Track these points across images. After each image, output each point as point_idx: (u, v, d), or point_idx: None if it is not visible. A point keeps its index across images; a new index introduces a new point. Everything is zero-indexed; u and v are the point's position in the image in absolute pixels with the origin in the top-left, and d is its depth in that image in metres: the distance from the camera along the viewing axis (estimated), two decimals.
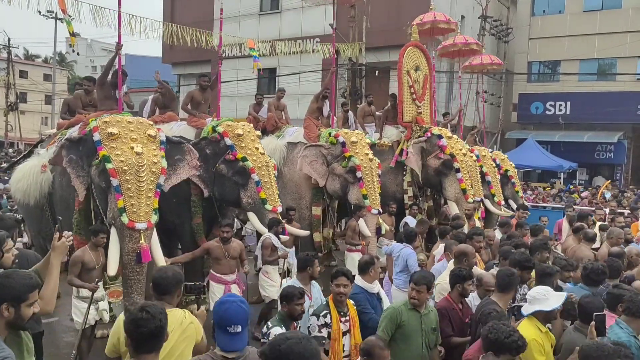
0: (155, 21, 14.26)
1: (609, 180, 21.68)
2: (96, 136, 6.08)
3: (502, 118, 25.07)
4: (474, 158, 10.66)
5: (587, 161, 24.73)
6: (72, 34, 8.96)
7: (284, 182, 9.06)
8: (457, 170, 9.85)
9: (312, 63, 21.30)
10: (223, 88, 9.31)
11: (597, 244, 8.04)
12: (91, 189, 6.34)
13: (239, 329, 2.81)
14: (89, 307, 5.64)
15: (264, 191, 7.37)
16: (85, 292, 5.81)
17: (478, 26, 22.97)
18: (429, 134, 10.22)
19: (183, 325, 3.32)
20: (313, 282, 5.19)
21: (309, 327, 4.33)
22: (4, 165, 19.36)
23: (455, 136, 10.56)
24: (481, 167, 11.04)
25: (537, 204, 15.06)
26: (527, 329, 3.85)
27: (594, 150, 24.49)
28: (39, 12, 26.63)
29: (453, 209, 9.69)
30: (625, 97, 22.79)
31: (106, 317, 6.12)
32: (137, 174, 5.85)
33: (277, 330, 3.82)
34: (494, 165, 11.69)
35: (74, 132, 7.27)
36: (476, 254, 6.01)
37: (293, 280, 5.04)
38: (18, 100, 36.58)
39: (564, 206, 12.64)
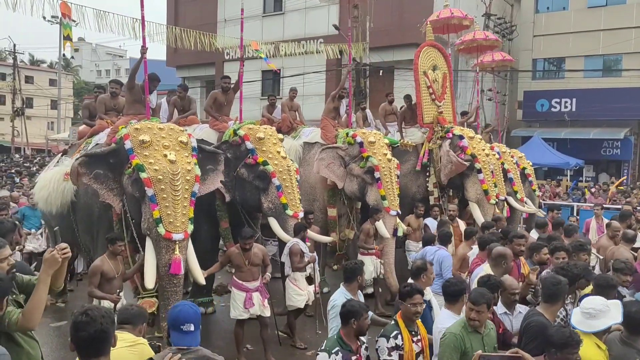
0: (159, 25, 14.30)
1: (622, 178, 21.57)
2: (128, 144, 5.91)
3: (508, 116, 24.99)
4: (496, 156, 10.51)
5: (593, 158, 24.61)
6: (67, 37, 9.02)
7: (300, 183, 8.85)
8: (479, 171, 9.72)
9: (316, 64, 21.32)
10: None
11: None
12: (123, 199, 6.18)
13: (192, 328, 3.01)
14: None
15: (285, 196, 7.27)
16: (106, 304, 5.62)
17: (482, 24, 22.87)
18: (450, 135, 10.04)
19: (133, 343, 3.21)
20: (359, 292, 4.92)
21: (377, 350, 4.00)
22: (13, 170, 19.45)
23: (478, 136, 10.41)
24: (502, 164, 10.87)
25: (554, 203, 14.83)
26: (587, 349, 3.43)
27: (600, 147, 24.37)
28: (44, 18, 26.78)
29: (474, 210, 9.59)
30: (631, 93, 22.66)
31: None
32: (172, 182, 5.71)
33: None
34: (515, 162, 11.53)
35: (100, 140, 7.18)
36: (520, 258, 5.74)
37: (341, 291, 4.71)
38: (24, 106, 36.79)
39: (592, 204, 12.41)
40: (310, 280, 7.24)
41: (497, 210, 9.88)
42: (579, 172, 24.16)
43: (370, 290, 8.82)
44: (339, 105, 9.99)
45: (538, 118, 25.86)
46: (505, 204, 10.61)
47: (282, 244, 7.52)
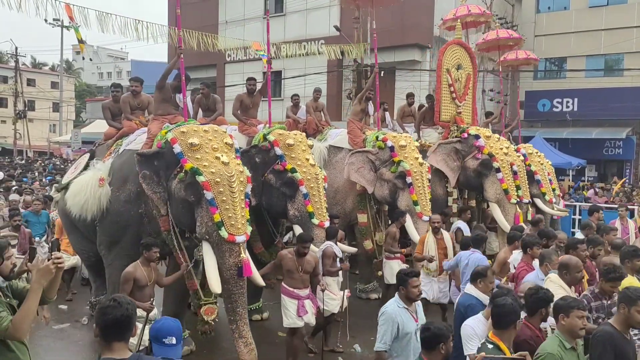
0: (161, 26, 14.33)
1: (622, 180, 21.55)
2: (177, 148, 5.81)
3: (509, 116, 24.98)
4: (521, 157, 10.28)
5: (595, 157, 24.59)
6: (81, 41, 8.88)
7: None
8: (498, 170, 9.50)
9: (317, 65, 21.34)
10: (228, 92, 9.32)
11: None
12: (168, 204, 6.00)
13: (174, 341, 3.05)
14: (143, 328, 5.25)
15: (311, 204, 7.21)
16: (138, 312, 5.36)
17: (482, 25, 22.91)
18: (465, 135, 9.90)
19: None
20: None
21: None
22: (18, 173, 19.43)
23: (496, 135, 10.19)
24: (529, 165, 10.64)
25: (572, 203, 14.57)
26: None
27: (602, 147, 24.35)
28: (45, 21, 26.85)
29: (495, 211, 9.41)
30: (633, 93, 22.65)
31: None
32: (229, 185, 5.60)
33: None
34: (542, 162, 11.30)
35: (132, 141, 7.00)
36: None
37: (395, 300, 4.42)
38: (26, 108, 36.86)
39: (616, 205, 12.10)
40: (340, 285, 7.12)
41: (519, 210, 9.63)
42: (581, 172, 24.15)
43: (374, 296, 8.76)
44: (366, 107, 9.77)
45: (540, 118, 25.84)
46: (529, 207, 10.31)
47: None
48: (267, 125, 8.14)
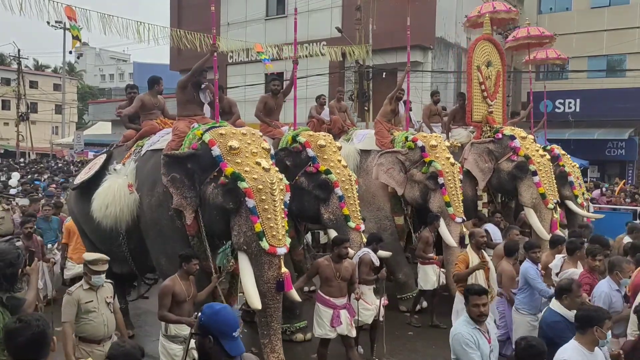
0: (163, 28, 14.36)
1: (623, 180, 21.51)
2: (215, 150, 5.44)
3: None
4: (548, 158, 9.73)
5: (598, 158, 24.52)
6: (76, 38, 8.70)
7: (360, 194, 7.91)
8: (534, 173, 8.94)
9: (319, 66, 21.34)
10: (229, 94, 9.23)
11: None
12: (199, 210, 5.59)
13: (238, 332, 2.72)
14: (187, 345, 4.79)
15: (347, 207, 6.92)
16: (175, 331, 5.18)
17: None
18: (499, 135, 9.41)
19: None
20: (488, 320, 4.17)
21: None
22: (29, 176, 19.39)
23: (530, 136, 9.70)
24: (562, 166, 10.18)
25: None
26: None
27: (604, 148, 24.28)
28: (48, 23, 26.92)
29: (530, 216, 8.88)
30: (636, 93, 22.59)
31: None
32: (271, 192, 5.27)
33: None
34: (576, 165, 10.83)
35: (156, 142, 6.54)
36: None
37: (466, 320, 4.02)
38: (29, 111, 36.95)
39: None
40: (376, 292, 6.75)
41: (555, 216, 9.11)
42: (583, 173, 24.07)
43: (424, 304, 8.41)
44: (397, 107, 9.39)
45: (542, 119, 25.78)
46: (558, 209, 9.76)
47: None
48: (292, 127, 7.91)
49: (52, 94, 46.72)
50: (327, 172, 6.93)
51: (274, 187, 5.31)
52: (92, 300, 4.77)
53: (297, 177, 6.94)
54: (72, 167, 27.15)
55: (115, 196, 6.18)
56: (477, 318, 3.92)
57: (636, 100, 22.52)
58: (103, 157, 7.42)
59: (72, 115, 48.99)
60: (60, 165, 27.95)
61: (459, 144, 9.74)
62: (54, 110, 47.00)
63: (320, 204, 6.96)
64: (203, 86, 6.56)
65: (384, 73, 20.61)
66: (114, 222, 6.17)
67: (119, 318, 5.11)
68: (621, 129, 23.37)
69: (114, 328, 4.97)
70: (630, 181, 22.96)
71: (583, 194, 10.80)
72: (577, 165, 11.06)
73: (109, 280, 5.10)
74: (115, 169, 6.60)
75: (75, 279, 8.27)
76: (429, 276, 7.90)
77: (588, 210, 10.77)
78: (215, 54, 6.49)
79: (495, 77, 10.16)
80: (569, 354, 3.58)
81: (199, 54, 17.04)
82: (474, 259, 6.23)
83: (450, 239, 7.94)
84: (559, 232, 8.53)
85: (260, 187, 5.23)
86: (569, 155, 10.95)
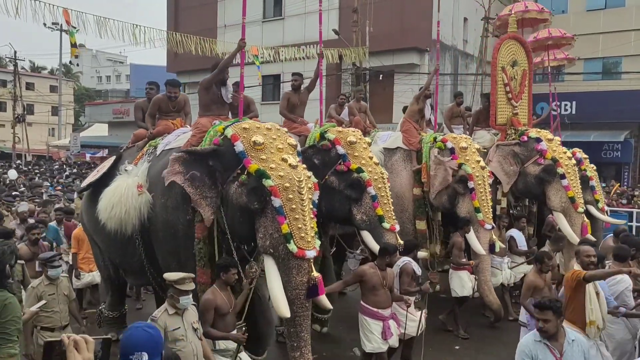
0: (159, 30, 14.35)
1: (618, 183, 21.58)
2: (239, 146, 5.04)
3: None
4: (574, 161, 9.52)
5: (594, 161, 24.24)
6: (74, 45, 8.59)
7: None
8: (562, 177, 8.67)
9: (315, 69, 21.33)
10: None
11: None
12: (220, 210, 5.22)
13: (145, 357, 2.44)
14: (235, 357, 4.84)
15: (380, 207, 6.56)
16: (224, 345, 4.99)
17: (481, 28, 22.96)
18: (525, 138, 9.11)
19: None
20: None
21: None
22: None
23: (557, 138, 9.45)
24: (584, 170, 9.87)
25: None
26: None
27: (600, 150, 24.34)
28: (44, 25, 26.85)
29: (560, 221, 8.61)
30: (631, 96, 22.66)
31: None
32: (299, 191, 4.88)
33: None
34: (595, 168, 10.52)
35: (172, 141, 6.20)
36: None
37: (533, 332, 3.86)
38: (25, 112, 36.84)
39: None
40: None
41: (586, 220, 8.83)
42: None
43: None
44: (424, 107, 8.98)
45: (552, 121, 25.88)
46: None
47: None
48: (318, 123, 7.63)
49: (48, 96, 46.64)
50: (359, 170, 6.56)
51: (302, 185, 4.91)
52: (179, 327, 4.34)
53: (326, 176, 6.56)
54: (66, 167, 27.10)
55: (122, 196, 5.79)
56: (543, 335, 3.81)
57: (632, 102, 22.59)
58: (112, 159, 7.01)
59: (68, 117, 48.85)
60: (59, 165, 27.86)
61: (484, 149, 9.37)
62: (50, 112, 46.91)
63: (352, 204, 6.59)
64: (227, 84, 6.25)
65: (381, 75, 20.64)
66: (119, 224, 5.80)
67: (204, 344, 4.67)
68: (617, 131, 23.44)
69: (202, 358, 4.53)
70: (626, 183, 23.03)
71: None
72: (594, 168, 10.71)
73: (194, 302, 4.65)
74: (126, 170, 6.17)
75: (84, 290, 8.21)
76: (465, 282, 7.66)
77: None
78: (217, 56, 6.38)
79: (521, 76, 9.83)
80: None
81: (196, 56, 17.07)
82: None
83: (479, 247, 7.64)
84: (589, 236, 8.32)
85: (287, 185, 4.84)
86: (588, 159, 10.65)
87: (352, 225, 6.80)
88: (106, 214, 5.87)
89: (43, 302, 5.36)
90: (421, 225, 8.23)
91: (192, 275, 4.69)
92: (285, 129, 5.62)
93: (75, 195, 11.66)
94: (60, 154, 37.22)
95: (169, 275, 4.59)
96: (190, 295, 4.45)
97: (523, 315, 6.15)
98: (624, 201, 16.13)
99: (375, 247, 6.39)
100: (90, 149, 35.68)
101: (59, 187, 15.39)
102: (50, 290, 5.59)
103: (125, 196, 5.78)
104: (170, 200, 5.62)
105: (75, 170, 24.82)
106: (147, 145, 6.57)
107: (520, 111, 9.81)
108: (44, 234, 7.73)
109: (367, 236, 6.58)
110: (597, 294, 5.16)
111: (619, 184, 21.00)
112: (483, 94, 10.61)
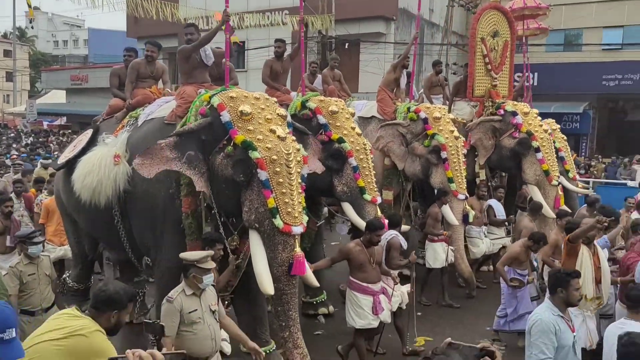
0: None
1: (575, 154, 22.17)
2: (225, 116, 4.84)
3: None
4: (550, 133, 9.43)
5: None
6: (30, 6, 8.13)
7: None
8: (537, 150, 8.73)
9: (280, 36, 21.01)
10: None
11: None
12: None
13: (14, 334, 2.39)
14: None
15: (362, 178, 6.48)
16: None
17: None
18: (501, 111, 9.10)
19: (65, 331, 2.86)
20: (572, 309, 4.09)
21: None
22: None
23: (534, 110, 9.40)
24: (554, 142, 9.61)
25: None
26: None
27: (560, 121, 24.50)
28: None
29: (535, 193, 8.74)
30: (591, 68, 23.13)
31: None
32: (287, 164, 4.70)
33: None
34: (565, 139, 10.45)
35: (154, 111, 5.97)
36: None
37: (548, 307, 3.85)
38: None
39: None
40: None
41: (560, 193, 8.93)
42: None
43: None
44: (400, 76, 8.82)
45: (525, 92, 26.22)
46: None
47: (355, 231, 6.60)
48: (301, 92, 7.47)
49: (2, 61, 44.75)
50: (340, 140, 6.47)
51: (290, 158, 4.73)
52: (196, 309, 4.10)
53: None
54: (23, 136, 26.22)
55: (96, 165, 5.60)
56: (576, 303, 3.90)
57: (591, 74, 23.06)
58: (89, 132, 6.65)
59: (23, 83, 47.11)
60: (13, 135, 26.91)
61: (463, 120, 9.39)
62: (4, 77, 45.13)
63: (333, 176, 6.49)
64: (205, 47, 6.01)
65: (347, 44, 20.47)
66: (91, 193, 5.61)
67: (229, 324, 4.52)
68: (576, 103, 23.94)
69: (220, 341, 4.38)
70: (583, 154, 23.66)
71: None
72: (566, 139, 10.76)
73: (213, 283, 4.45)
74: (104, 140, 5.93)
75: (55, 263, 7.94)
76: (439, 254, 7.77)
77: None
78: (178, 21, 6.10)
79: (502, 47, 9.72)
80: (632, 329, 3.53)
81: (157, 21, 16.55)
82: (584, 252, 5.36)
83: (452, 217, 7.67)
84: (564, 208, 8.49)
85: (275, 157, 4.67)
86: (559, 128, 10.66)
87: (333, 196, 6.73)
88: (79, 183, 5.72)
89: None
90: (388, 195, 8.18)
91: (212, 252, 4.48)
92: (275, 99, 5.44)
93: (39, 166, 11.23)
94: (15, 122, 35.93)
95: (188, 255, 4.31)
96: (212, 274, 4.22)
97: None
98: (582, 171, 16.61)
99: (356, 218, 6.37)
100: (47, 117, 34.57)
101: (16, 156, 14.78)
102: (30, 270, 5.16)
103: (98, 165, 5.60)
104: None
105: (32, 139, 24.01)
106: (127, 117, 6.32)
107: (500, 83, 9.77)
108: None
109: (348, 208, 6.52)
110: (598, 268, 5.31)
111: (576, 154, 21.57)
112: (465, 64, 10.44)
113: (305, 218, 4.89)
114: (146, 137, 5.64)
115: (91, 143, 6.28)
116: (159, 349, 3.10)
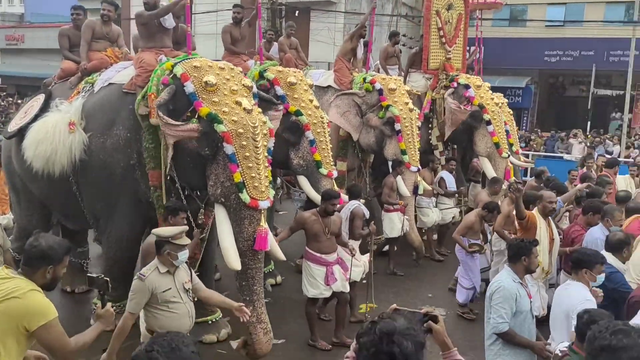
0: None
1: (517, 127, 22.87)
2: (189, 87, 4.73)
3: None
4: (501, 106, 9.71)
5: None
6: None
7: None
8: (488, 123, 8.94)
9: (231, 1, 20.50)
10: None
11: None
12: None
13: None
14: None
15: (318, 152, 6.45)
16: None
17: None
18: (454, 84, 9.22)
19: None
20: (529, 277, 4.28)
21: None
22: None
23: (486, 84, 9.58)
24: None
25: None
26: None
27: (504, 95, 25.47)
28: None
29: (485, 165, 8.96)
30: (535, 43, 23.75)
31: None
32: (253, 138, 4.62)
33: None
34: (511, 113, 10.73)
35: (112, 77, 5.77)
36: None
37: (509, 274, 3.97)
38: None
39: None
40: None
41: (510, 164, 9.26)
42: None
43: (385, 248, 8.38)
44: (357, 45, 8.74)
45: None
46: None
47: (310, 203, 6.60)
48: (259, 61, 7.27)
49: None
50: (298, 113, 6.40)
51: (257, 132, 4.65)
52: (170, 288, 3.97)
53: None
54: None
55: (49, 133, 5.39)
56: (535, 269, 4.13)
57: (534, 50, 23.72)
58: (41, 97, 6.35)
59: None
60: None
61: (418, 92, 9.47)
62: None
63: (289, 149, 6.46)
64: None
65: (297, 11, 20.17)
66: (45, 162, 5.43)
67: (210, 295, 4.37)
68: (519, 78, 24.63)
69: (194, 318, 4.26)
70: (524, 128, 24.46)
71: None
72: (512, 113, 11.04)
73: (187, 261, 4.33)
74: (57, 107, 5.70)
75: None
76: (395, 223, 7.88)
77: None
78: None
79: (456, 20, 9.80)
80: (579, 289, 3.81)
81: None
82: (541, 225, 5.52)
83: (404, 188, 7.76)
84: (512, 180, 8.68)
85: (241, 131, 4.59)
86: (506, 102, 10.79)
87: (289, 169, 6.73)
88: (31, 152, 5.48)
89: None
90: (342, 166, 8.19)
91: (186, 227, 4.38)
92: (240, 69, 5.33)
93: None
94: None
95: (162, 231, 4.15)
96: (187, 251, 4.10)
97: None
98: (523, 144, 17.20)
99: (312, 192, 6.38)
100: None
101: None
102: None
103: (52, 133, 5.38)
104: (110, 141, 5.34)
105: None
106: (82, 82, 6.07)
107: (454, 56, 9.84)
108: None
109: (303, 181, 6.51)
110: (552, 240, 5.54)
111: (517, 128, 22.27)
112: (422, 35, 10.37)
113: (272, 192, 4.87)
114: (103, 105, 5.49)
115: (44, 109, 5.98)
116: (104, 305, 3.09)
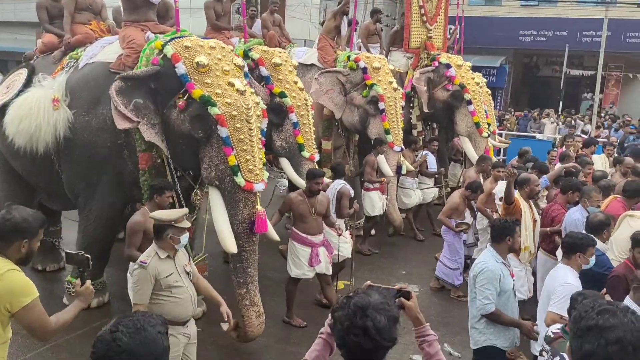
0: None
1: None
2: (181, 68, 4.62)
3: None
4: (481, 86, 9.79)
5: None
6: None
7: None
8: (469, 102, 8.96)
9: None
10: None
11: None
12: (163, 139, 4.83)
13: None
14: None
15: (302, 135, 6.42)
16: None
17: None
18: (436, 63, 9.20)
19: None
20: (512, 256, 4.36)
21: None
22: None
23: (467, 63, 9.59)
24: None
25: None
26: None
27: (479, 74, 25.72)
28: None
29: (466, 145, 9.01)
30: (509, 22, 23.89)
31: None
32: (247, 119, 4.55)
33: None
34: (489, 93, 10.82)
35: (97, 53, 5.58)
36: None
37: (492, 255, 4.00)
38: None
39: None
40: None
41: (490, 144, 9.31)
42: None
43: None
44: (340, 23, 8.63)
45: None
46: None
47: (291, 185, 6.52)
48: (243, 39, 7.14)
49: None
50: (282, 95, 6.36)
51: (250, 113, 4.59)
52: (172, 273, 3.81)
53: None
54: None
55: (33, 109, 5.23)
56: (519, 249, 4.26)
57: (509, 29, 23.85)
58: (23, 72, 6.11)
59: None
60: None
61: (399, 70, 9.46)
62: None
63: (272, 130, 6.34)
64: None
65: None
66: (28, 139, 5.27)
67: (203, 284, 4.18)
68: (494, 57, 24.76)
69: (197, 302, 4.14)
70: (498, 107, 24.70)
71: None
72: (489, 93, 11.09)
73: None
74: (40, 82, 5.53)
75: None
76: (375, 202, 7.88)
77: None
78: None
79: None
80: (565, 272, 3.89)
81: None
82: (525, 209, 5.51)
83: (387, 168, 7.71)
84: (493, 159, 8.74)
85: (235, 113, 4.52)
86: (485, 82, 10.84)
87: (271, 151, 6.62)
88: (13, 128, 5.33)
89: None
90: (326, 145, 8.18)
91: (187, 210, 4.26)
92: (231, 47, 5.22)
93: None
94: None
95: (162, 215, 3.97)
96: (187, 233, 3.98)
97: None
98: (497, 124, 17.34)
99: (293, 174, 6.38)
100: None
101: None
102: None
103: (36, 109, 5.24)
104: (95, 120, 5.23)
105: None
106: (67, 57, 5.90)
107: (435, 35, 9.85)
108: None
109: (285, 163, 6.49)
110: (535, 221, 5.59)
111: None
112: (403, 13, 10.42)
113: (266, 174, 4.84)
114: (88, 82, 5.37)
115: (27, 85, 5.81)
116: (83, 282, 3.04)
